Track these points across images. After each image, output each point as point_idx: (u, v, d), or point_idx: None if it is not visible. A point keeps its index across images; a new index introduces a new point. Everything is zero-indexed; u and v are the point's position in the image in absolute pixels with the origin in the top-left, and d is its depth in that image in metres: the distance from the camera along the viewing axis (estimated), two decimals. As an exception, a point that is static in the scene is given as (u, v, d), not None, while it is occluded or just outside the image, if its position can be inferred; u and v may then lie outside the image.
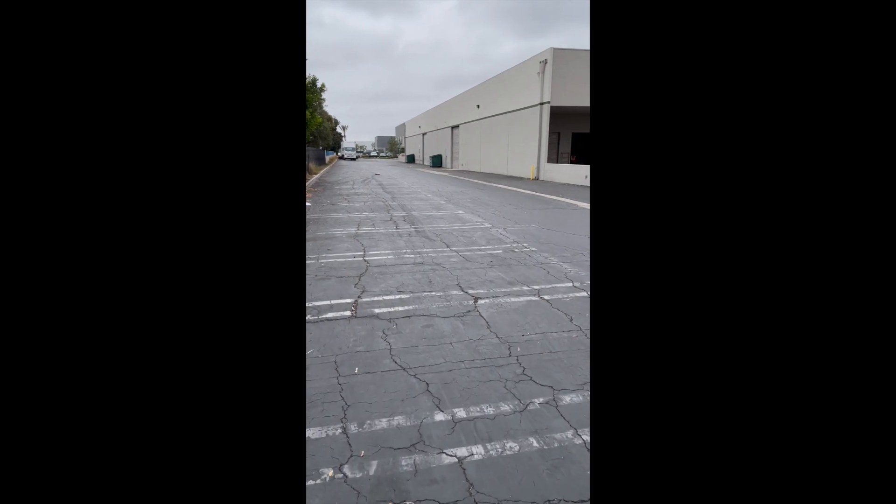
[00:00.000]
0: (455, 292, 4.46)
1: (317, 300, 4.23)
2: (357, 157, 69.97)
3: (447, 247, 6.57)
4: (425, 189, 16.76)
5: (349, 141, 74.19)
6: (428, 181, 21.51)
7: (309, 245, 6.67)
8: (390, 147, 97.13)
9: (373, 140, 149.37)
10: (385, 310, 3.98)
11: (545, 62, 21.04)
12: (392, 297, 4.33)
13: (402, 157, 66.28)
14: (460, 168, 35.92)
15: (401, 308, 4.02)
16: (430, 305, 4.09)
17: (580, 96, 21.33)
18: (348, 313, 3.90)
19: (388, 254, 6.13)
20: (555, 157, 25.89)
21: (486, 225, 8.54)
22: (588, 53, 20.76)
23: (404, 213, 10.05)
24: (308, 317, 3.81)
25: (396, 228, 8.12)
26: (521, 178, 22.99)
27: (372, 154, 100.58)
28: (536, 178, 22.41)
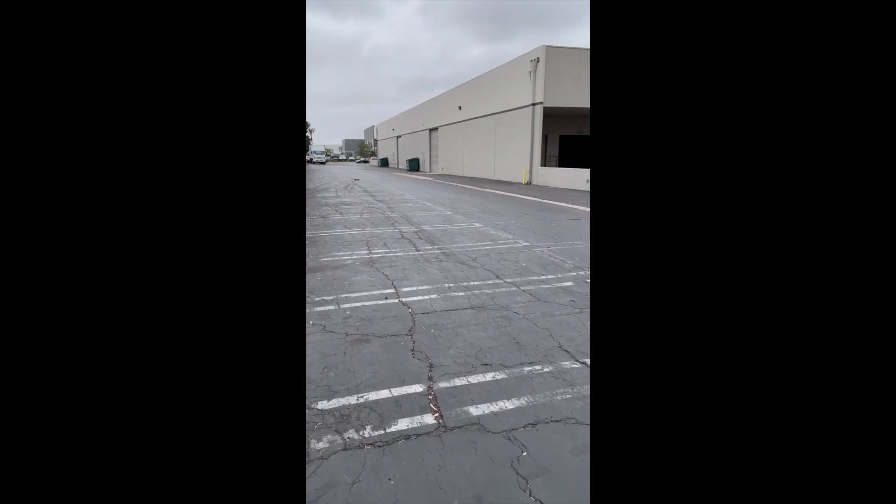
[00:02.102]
0: (569, 364, 3.03)
1: (370, 388, 2.70)
2: (326, 161, 67.57)
3: (497, 277, 5.12)
4: (419, 196, 15.23)
5: (317, 144, 71.75)
6: (416, 187, 19.96)
7: (318, 278, 5.08)
8: (360, 150, 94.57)
9: (340, 143, 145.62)
10: (486, 409, 2.50)
11: (537, 60, 19.91)
12: (480, 377, 2.85)
13: (374, 161, 64.33)
14: (440, 172, 34.49)
15: (508, 404, 2.55)
16: (551, 397, 2.63)
17: (572, 97, 20.30)
18: (431, 420, 2.40)
19: (429, 291, 4.63)
20: (542, 159, 24.82)
21: (523, 242, 7.14)
22: (581, 51, 19.97)
23: (414, 228, 8.53)
24: (369, 431, 2.29)
25: (416, 249, 6.61)
26: (511, 183, 21.78)
27: (341, 158, 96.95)
28: (529, 183, 21.25)
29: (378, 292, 4.59)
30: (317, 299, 4.37)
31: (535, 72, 20.12)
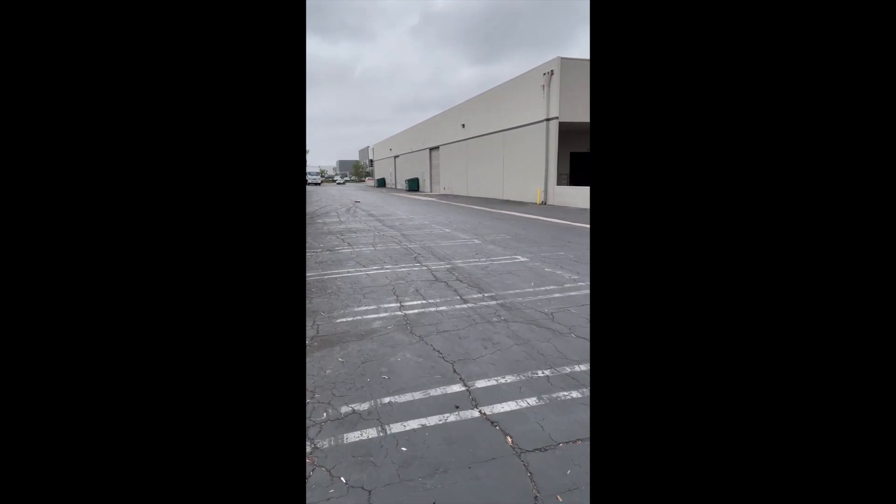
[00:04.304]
0: None
1: None
2: (321, 183, 65.99)
3: (606, 353, 3.43)
4: (432, 220, 13.57)
5: (313, 165, 70.50)
6: (424, 210, 18.33)
7: (338, 359, 3.35)
8: (355, 171, 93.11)
9: (334, 164, 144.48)
10: None
11: (550, 73, 18.61)
12: None
13: (370, 181, 62.89)
14: (442, 192, 32.98)
15: None
16: None
17: (586, 111, 18.94)
18: None
19: (519, 387, 2.91)
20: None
21: (598, 287, 5.46)
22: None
23: (445, 265, 6.84)
24: None
25: (462, 300, 4.91)
26: (524, 203, 20.25)
27: (336, 179, 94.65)
28: (544, 203, 19.73)
29: (439, 392, 2.87)
30: (344, 410, 2.65)
31: (549, 85, 18.79)
